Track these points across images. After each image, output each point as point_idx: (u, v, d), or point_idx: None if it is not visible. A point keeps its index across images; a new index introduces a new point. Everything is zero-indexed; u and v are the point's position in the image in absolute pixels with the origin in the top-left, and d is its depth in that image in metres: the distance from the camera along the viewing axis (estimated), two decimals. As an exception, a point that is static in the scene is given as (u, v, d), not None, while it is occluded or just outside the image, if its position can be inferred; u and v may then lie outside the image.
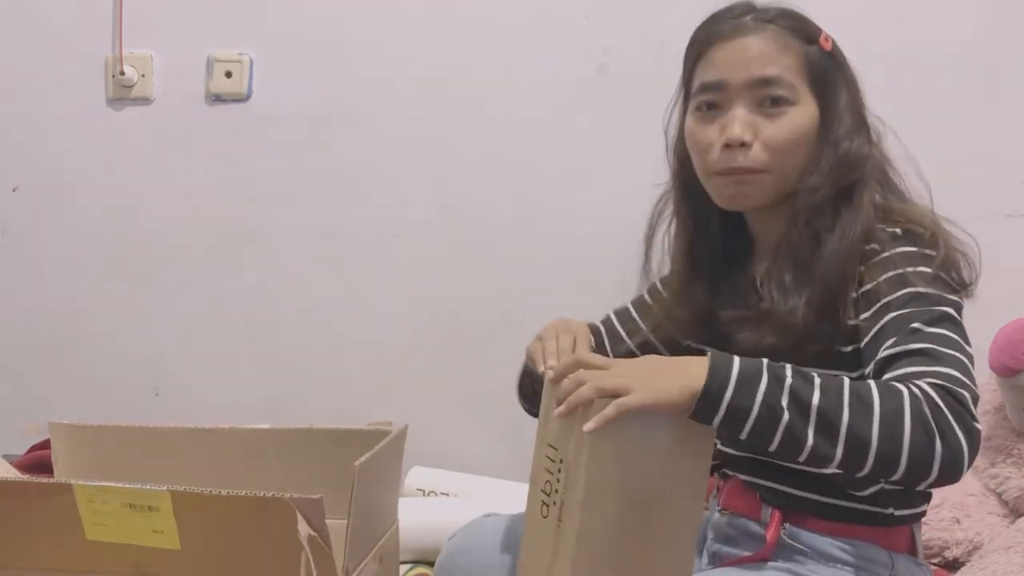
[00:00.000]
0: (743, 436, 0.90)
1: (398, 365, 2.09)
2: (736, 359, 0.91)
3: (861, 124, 1.11)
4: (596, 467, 0.89)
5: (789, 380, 0.89)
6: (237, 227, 2.13)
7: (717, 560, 1.14)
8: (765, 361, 0.91)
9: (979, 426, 0.89)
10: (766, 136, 1.06)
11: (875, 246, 1.04)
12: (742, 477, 1.12)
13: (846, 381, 0.90)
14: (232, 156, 2.13)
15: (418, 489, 1.90)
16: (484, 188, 2.05)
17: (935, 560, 1.61)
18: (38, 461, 1.80)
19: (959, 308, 1.00)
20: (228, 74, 2.10)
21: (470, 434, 2.04)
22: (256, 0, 2.10)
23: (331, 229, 2.10)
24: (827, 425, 0.88)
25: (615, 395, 0.88)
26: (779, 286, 1.05)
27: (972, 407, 0.90)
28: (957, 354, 0.93)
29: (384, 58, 2.06)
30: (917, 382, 0.90)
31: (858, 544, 1.05)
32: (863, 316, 1.01)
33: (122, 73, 2.10)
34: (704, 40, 1.11)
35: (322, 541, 0.99)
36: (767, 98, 1.06)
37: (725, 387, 0.89)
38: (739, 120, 1.06)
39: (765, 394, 0.88)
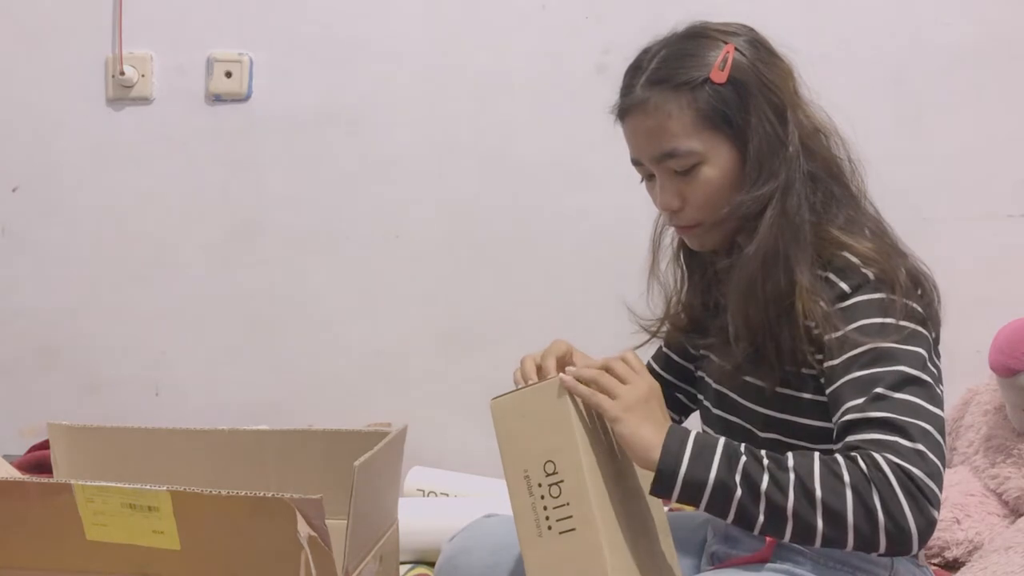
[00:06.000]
0: (701, 508, 0.95)
1: (398, 365, 2.09)
2: (692, 435, 0.96)
3: (774, 142, 1.05)
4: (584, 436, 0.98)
5: (743, 460, 0.93)
6: (237, 227, 2.13)
7: (717, 561, 1.14)
8: (722, 439, 0.96)
9: (935, 511, 0.89)
10: (689, 197, 1.08)
11: (830, 276, 1.02)
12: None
13: (791, 465, 0.92)
14: (232, 156, 2.13)
15: (418, 489, 1.90)
16: (484, 188, 2.05)
17: (935, 560, 1.61)
18: (38, 461, 1.81)
19: (928, 354, 0.98)
20: (228, 74, 2.10)
21: (470, 434, 2.04)
22: (256, 0, 2.10)
23: (331, 229, 2.10)
24: (775, 510, 0.92)
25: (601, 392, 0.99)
26: (732, 324, 1.07)
27: (931, 485, 0.89)
28: (921, 423, 0.92)
29: (384, 58, 2.07)
30: (875, 455, 0.90)
31: (858, 545, 1.04)
32: (829, 363, 0.99)
33: (122, 73, 2.11)
34: (615, 114, 1.12)
35: (322, 541, 0.99)
36: (675, 167, 1.07)
37: (680, 462, 0.94)
38: (663, 191, 1.09)
39: (717, 471, 0.93)
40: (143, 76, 2.12)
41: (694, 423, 1.25)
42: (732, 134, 1.05)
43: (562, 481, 0.95)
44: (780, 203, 1.04)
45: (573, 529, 0.95)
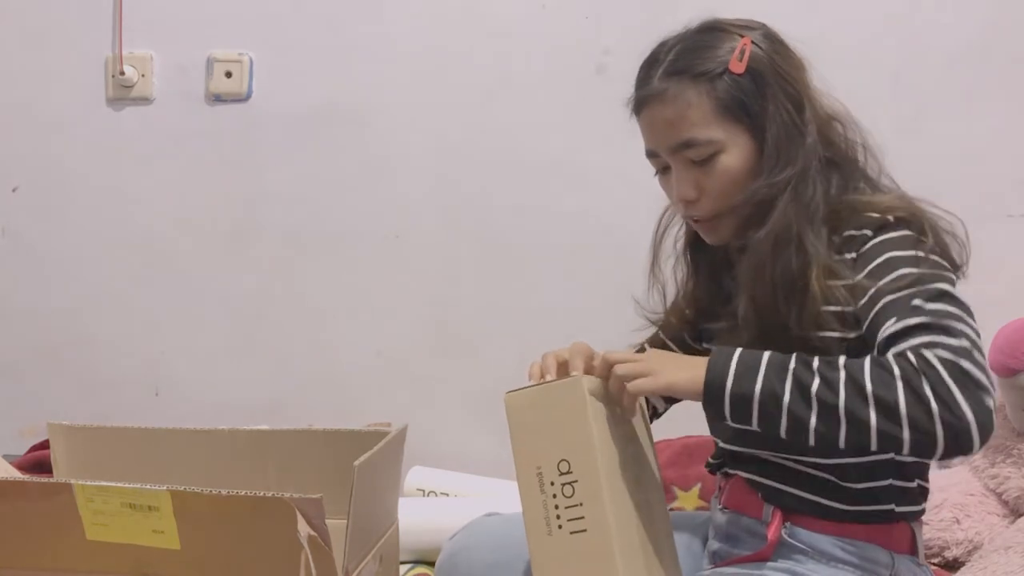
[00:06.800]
0: (754, 423, 0.95)
1: (398, 365, 2.09)
2: (738, 351, 0.97)
3: (792, 130, 1.06)
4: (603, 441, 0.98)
5: (792, 366, 0.94)
6: (237, 227, 2.13)
7: (718, 559, 1.14)
8: (767, 352, 0.96)
9: (990, 400, 0.88)
10: (706, 188, 1.09)
11: (851, 232, 1.04)
12: (744, 475, 1.12)
13: (842, 364, 0.92)
14: (232, 156, 2.13)
15: (418, 489, 1.90)
16: (484, 188, 2.05)
17: (935, 560, 1.61)
18: (38, 461, 1.80)
19: (954, 284, 1.00)
20: (228, 74, 2.10)
21: (470, 434, 2.04)
22: (256, 0, 2.10)
23: (331, 229, 2.10)
24: (826, 409, 0.91)
25: (634, 378, 0.98)
26: (741, 307, 1.08)
27: (981, 376, 0.89)
28: (960, 325, 0.92)
29: (384, 58, 2.07)
30: (922, 351, 0.90)
31: (859, 544, 1.05)
32: (861, 303, 1.00)
33: (122, 73, 2.11)
34: (631, 107, 1.13)
35: (322, 541, 0.99)
36: (693, 157, 1.08)
37: (725, 377, 0.95)
38: (680, 182, 1.09)
39: (764, 380, 0.94)
40: (143, 76, 2.12)
41: (686, 417, 1.25)
42: (750, 123, 1.06)
43: (576, 481, 0.95)
44: (794, 189, 1.05)
45: (585, 530, 0.94)
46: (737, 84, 1.06)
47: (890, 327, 0.95)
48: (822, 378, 0.92)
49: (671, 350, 1.28)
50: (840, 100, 1.13)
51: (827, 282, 1.02)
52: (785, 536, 1.07)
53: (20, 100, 2.16)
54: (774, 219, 1.05)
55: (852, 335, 1.02)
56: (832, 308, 1.02)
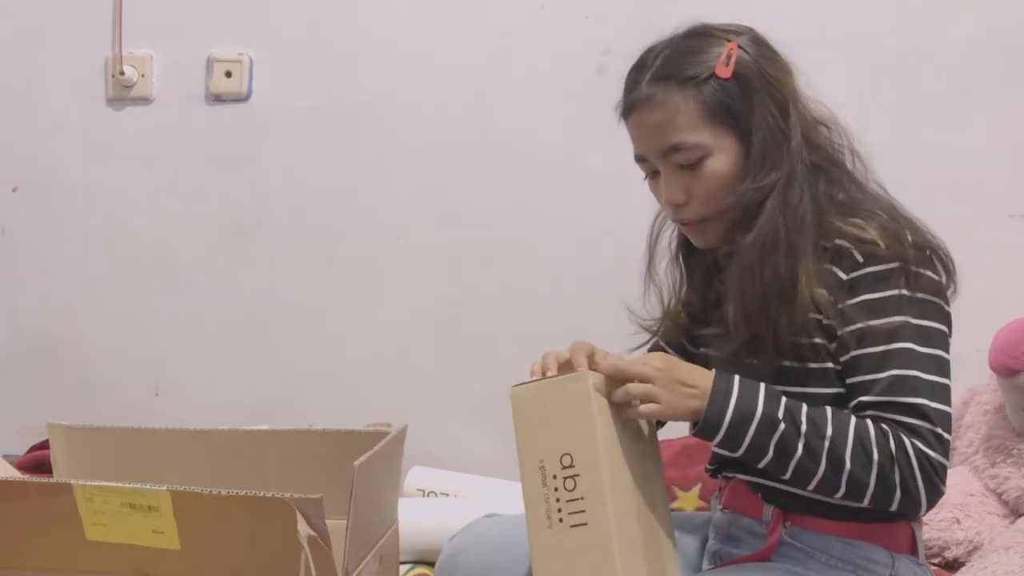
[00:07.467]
0: (739, 455, 1.03)
1: (398, 365, 2.09)
2: (734, 391, 1.01)
3: (777, 134, 1.07)
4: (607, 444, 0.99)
5: (781, 426, 1.00)
6: (237, 227, 2.13)
7: (718, 559, 1.14)
8: (761, 396, 1.01)
9: (944, 485, 0.99)
10: (695, 191, 1.09)
11: (841, 245, 1.03)
12: (743, 478, 1.12)
13: (828, 433, 0.99)
14: (232, 156, 2.13)
15: (418, 489, 1.90)
16: (484, 188, 2.05)
17: (935, 560, 1.61)
18: (38, 461, 1.80)
19: (939, 324, 1.02)
20: (228, 74, 2.10)
21: (470, 434, 2.04)
22: (256, 0, 2.10)
23: (331, 229, 2.10)
24: (803, 472, 1.01)
25: (644, 402, 1.01)
26: (731, 311, 1.08)
27: (944, 462, 0.98)
28: (937, 404, 0.99)
29: (384, 58, 2.06)
30: (904, 438, 0.98)
31: (860, 544, 1.05)
32: (844, 330, 1.02)
33: (122, 73, 2.11)
34: (620, 112, 1.14)
35: (322, 541, 0.99)
36: (681, 161, 1.08)
37: (720, 423, 1.01)
38: (668, 185, 1.10)
39: (754, 434, 1.00)
40: (143, 76, 2.12)
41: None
42: (736, 127, 1.07)
43: (578, 475, 0.96)
44: (782, 193, 1.06)
45: (585, 524, 0.95)
46: (724, 89, 1.06)
47: (869, 392, 1.01)
48: (806, 444, 0.99)
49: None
50: (827, 105, 1.13)
51: (816, 290, 1.03)
52: (785, 536, 1.07)
53: (20, 100, 2.16)
54: (761, 223, 1.06)
55: (832, 345, 1.04)
56: (817, 316, 1.03)
